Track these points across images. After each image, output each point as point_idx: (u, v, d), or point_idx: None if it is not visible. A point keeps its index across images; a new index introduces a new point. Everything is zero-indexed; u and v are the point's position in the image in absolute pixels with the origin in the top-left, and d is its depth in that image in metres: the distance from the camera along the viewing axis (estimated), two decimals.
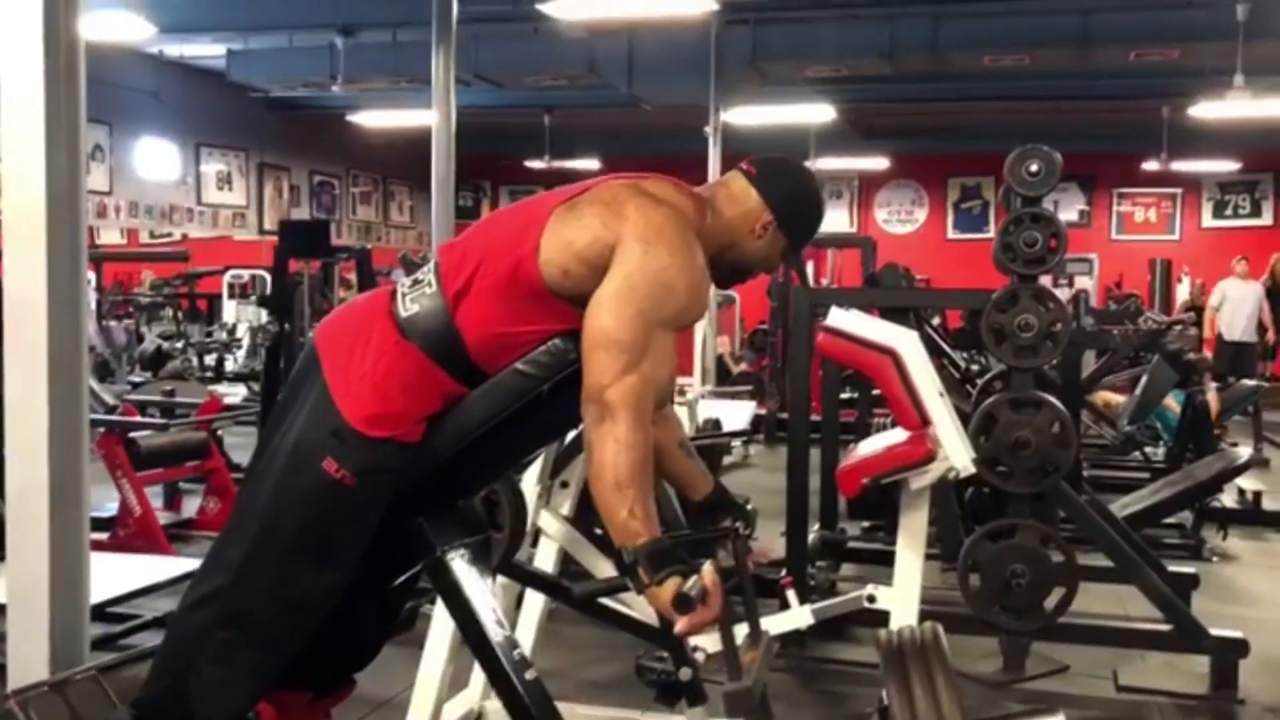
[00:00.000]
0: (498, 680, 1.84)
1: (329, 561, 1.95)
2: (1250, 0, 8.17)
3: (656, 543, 1.75)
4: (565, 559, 3.23)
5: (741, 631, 2.23)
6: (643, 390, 1.78)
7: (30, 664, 2.82)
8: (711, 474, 2.37)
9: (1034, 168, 3.64)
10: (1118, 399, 8.11)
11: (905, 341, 2.83)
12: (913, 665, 1.77)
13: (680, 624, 1.71)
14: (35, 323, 2.91)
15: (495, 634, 1.85)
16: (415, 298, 1.96)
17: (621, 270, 1.82)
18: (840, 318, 2.89)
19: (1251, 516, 6.17)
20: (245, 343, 11.10)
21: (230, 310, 12.78)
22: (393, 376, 1.90)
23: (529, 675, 1.84)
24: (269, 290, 7.89)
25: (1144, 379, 7.09)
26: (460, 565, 1.90)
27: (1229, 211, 15.69)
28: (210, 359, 10.71)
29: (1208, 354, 10.24)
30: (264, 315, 7.95)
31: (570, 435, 3.43)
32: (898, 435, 2.89)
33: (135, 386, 8.32)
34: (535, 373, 1.87)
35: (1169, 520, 5.72)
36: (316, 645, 2.05)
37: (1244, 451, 5.98)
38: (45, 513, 2.90)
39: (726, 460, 7.51)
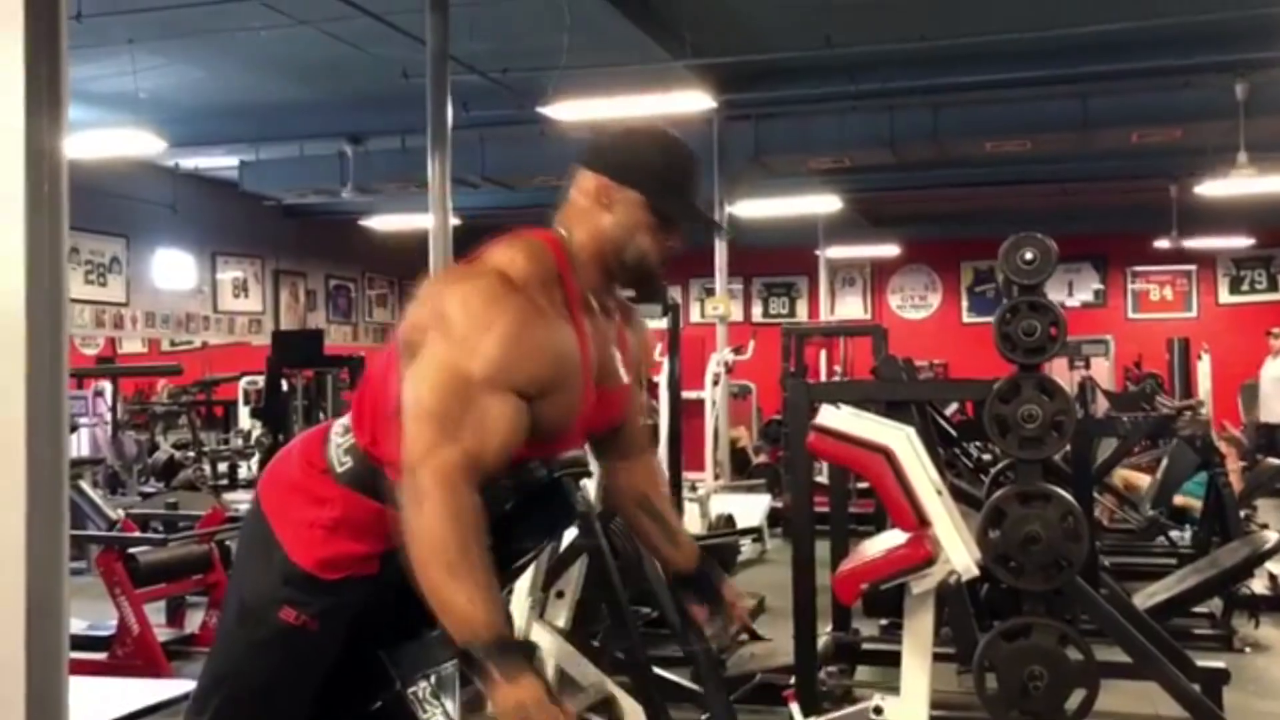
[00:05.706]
0: None
1: (297, 705, 1.90)
2: (1248, 78, 8.20)
3: (508, 639, 1.58)
4: None
5: None
6: (459, 464, 1.61)
7: None
8: (700, 551, 2.10)
9: (1029, 255, 3.57)
10: (1141, 479, 7.92)
11: (898, 439, 2.73)
12: None
13: None
14: (13, 444, 2.86)
15: None
16: (348, 450, 1.87)
17: (430, 341, 1.70)
18: (830, 415, 2.81)
19: None
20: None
21: (246, 417, 12.79)
22: (345, 523, 1.84)
23: None
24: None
25: (1164, 462, 6.94)
26: (424, 697, 1.80)
27: (1245, 287, 15.60)
28: (224, 467, 10.68)
29: (1235, 433, 9.93)
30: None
31: (564, 544, 3.38)
32: (896, 537, 2.78)
33: (146, 498, 8.28)
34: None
35: (1198, 609, 5.53)
36: None
37: (1272, 535, 5.78)
38: (21, 644, 2.81)
39: (740, 557, 7.35)
